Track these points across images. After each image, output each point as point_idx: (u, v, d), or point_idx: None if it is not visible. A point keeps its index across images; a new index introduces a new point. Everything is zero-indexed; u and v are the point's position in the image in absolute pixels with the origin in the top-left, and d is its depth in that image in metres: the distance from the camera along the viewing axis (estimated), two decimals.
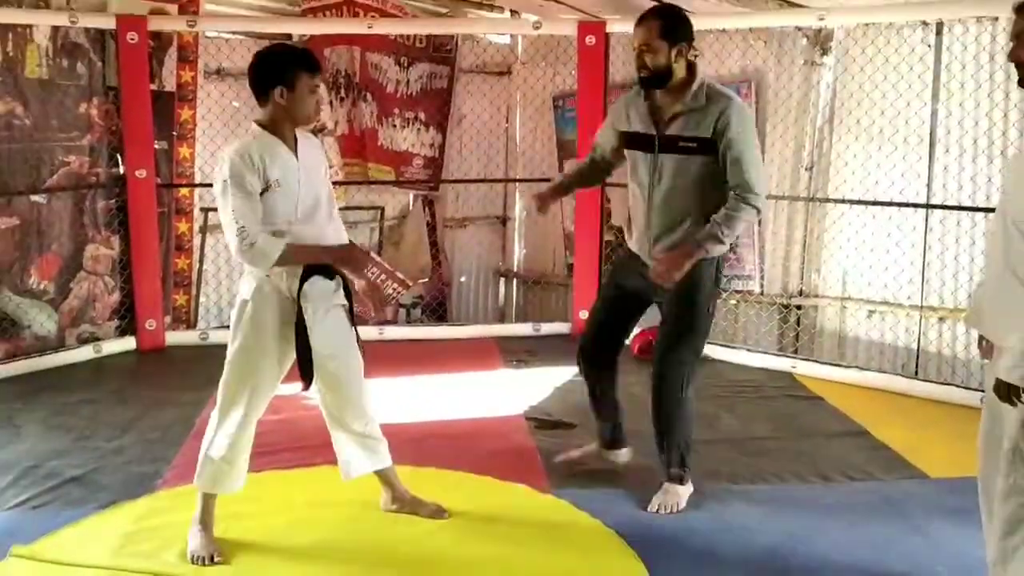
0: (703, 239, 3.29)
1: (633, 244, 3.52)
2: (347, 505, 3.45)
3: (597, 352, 3.67)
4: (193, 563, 3.03)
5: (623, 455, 3.80)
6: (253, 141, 2.99)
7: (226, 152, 2.97)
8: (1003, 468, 2.33)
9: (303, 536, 3.24)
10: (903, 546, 3.24)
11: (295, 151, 3.05)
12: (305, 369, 3.10)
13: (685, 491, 3.53)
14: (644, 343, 5.73)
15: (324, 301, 3.10)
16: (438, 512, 3.39)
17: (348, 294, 3.21)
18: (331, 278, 3.13)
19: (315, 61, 3.06)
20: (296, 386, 5.05)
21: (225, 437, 3.08)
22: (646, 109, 3.36)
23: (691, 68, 3.31)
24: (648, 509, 3.49)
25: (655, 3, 3.48)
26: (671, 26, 3.23)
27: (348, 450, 3.28)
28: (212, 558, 3.03)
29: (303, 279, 3.03)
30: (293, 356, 3.12)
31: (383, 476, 3.37)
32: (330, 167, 6.33)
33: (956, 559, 3.16)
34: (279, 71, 2.97)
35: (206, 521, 3.15)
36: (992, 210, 4.96)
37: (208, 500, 3.16)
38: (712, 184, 3.30)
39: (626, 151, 3.47)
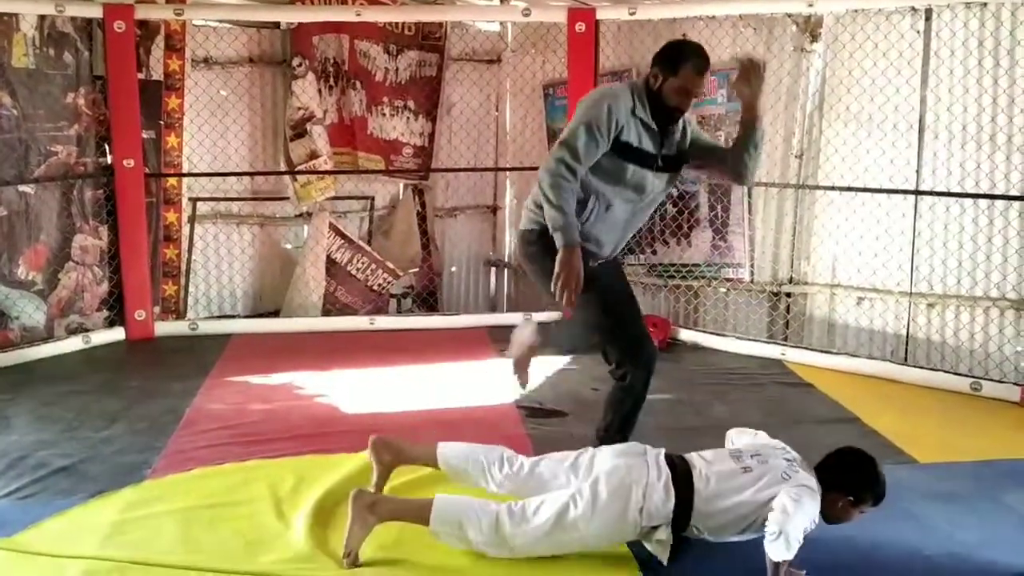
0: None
1: (591, 250, 3.44)
2: (333, 492, 3.41)
3: None
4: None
5: None
6: None
7: None
8: None
9: (289, 522, 3.21)
10: (893, 531, 3.26)
11: None
12: None
13: None
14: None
15: None
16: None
17: None
18: None
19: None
20: (287, 376, 5.08)
21: None
22: (654, 128, 3.37)
23: None
24: None
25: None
26: None
27: None
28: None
29: None
30: None
31: None
32: (319, 156, 6.37)
33: (946, 543, 3.19)
34: None
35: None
36: (981, 196, 4.99)
37: None
38: None
39: (614, 161, 3.35)
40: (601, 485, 2.92)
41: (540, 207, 3.37)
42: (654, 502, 2.91)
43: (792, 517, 2.76)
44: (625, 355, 3.49)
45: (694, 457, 3.09)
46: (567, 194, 3.24)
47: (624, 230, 3.55)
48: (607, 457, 3.07)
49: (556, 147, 3.33)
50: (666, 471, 2.98)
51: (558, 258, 3.25)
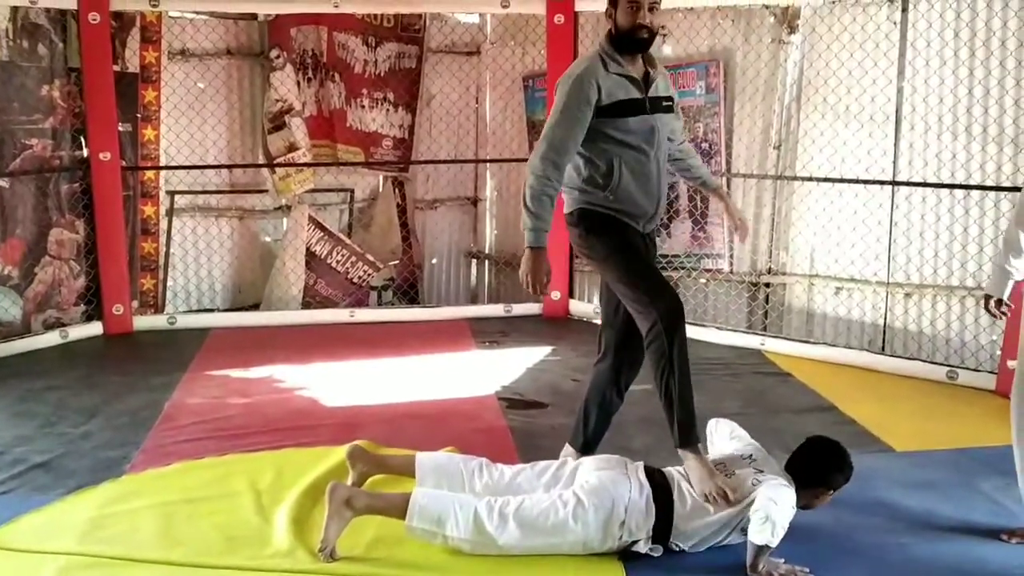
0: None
1: (637, 212, 3.34)
2: (313, 486, 3.39)
3: None
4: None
5: None
6: None
7: None
8: None
9: (269, 517, 3.20)
10: (868, 518, 3.29)
11: None
12: None
13: None
14: None
15: None
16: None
17: None
18: None
19: None
20: (267, 369, 5.06)
21: None
22: (626, 73, 3.26)
23: None
24: None
25: None
26: None
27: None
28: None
29: None
30: None
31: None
32: (298, 149, 6.34)
33: (921, 531, 3.22)
34: None
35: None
36: (957, 186, 5.03)
37: None
38: None
39: (614, 121, 3.25)
40: (584, 496, 2.92)
41: (573, 189, 3.34)
42: (635, 519, 2.92)
43: (779, 506, 2.80)
44: (651, 297, 3.18)
45: (673, 473, 3.10)
46: (545, 200, 3.19)
47: (656, 185, 3.36)
48: (589, 469, 3.06)
49: (540, 141, 3.23)
50: (647, 487, 2.98)
51: (524, 257, 3.21)
